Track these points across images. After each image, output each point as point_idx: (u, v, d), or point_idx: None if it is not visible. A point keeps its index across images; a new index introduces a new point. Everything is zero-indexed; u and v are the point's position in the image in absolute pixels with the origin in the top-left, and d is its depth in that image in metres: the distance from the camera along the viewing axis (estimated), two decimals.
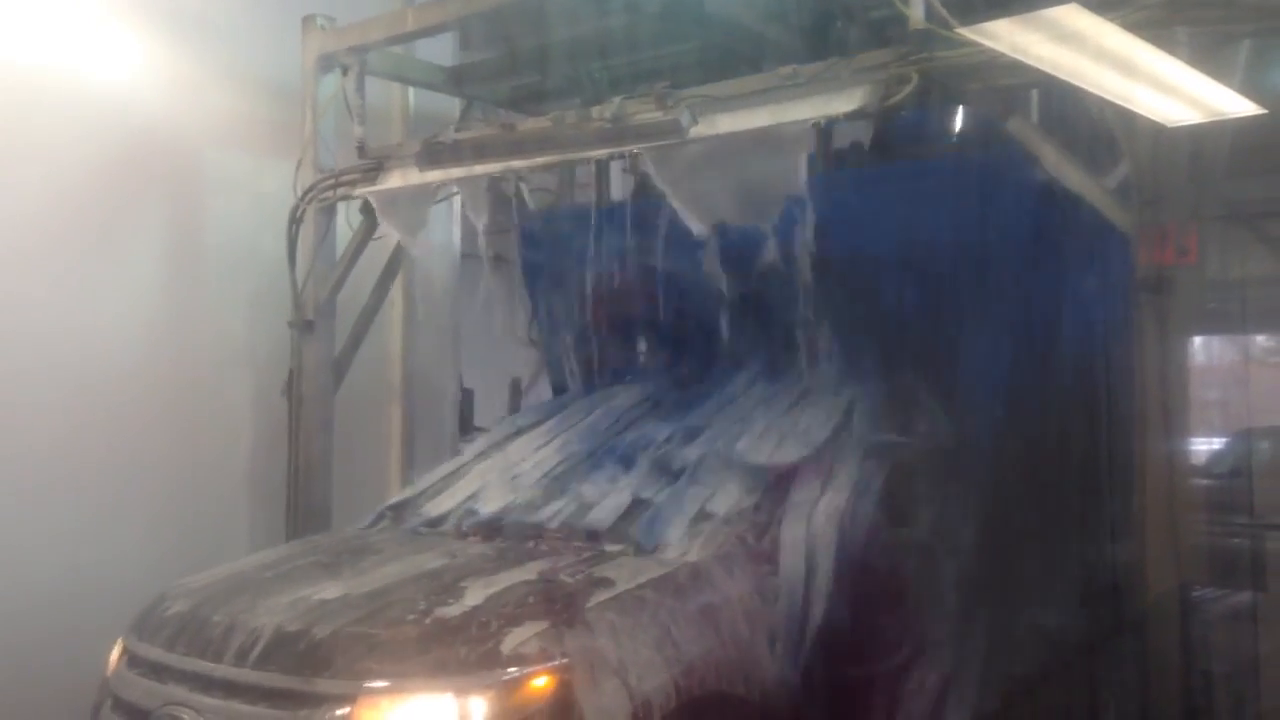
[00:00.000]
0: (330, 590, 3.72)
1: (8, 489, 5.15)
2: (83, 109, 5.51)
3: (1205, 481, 5.91)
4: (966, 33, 3.36)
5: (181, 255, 5.98)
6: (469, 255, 6.92)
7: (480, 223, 5.24)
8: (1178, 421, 3.99)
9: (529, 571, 3.74)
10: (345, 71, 5.81)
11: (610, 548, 4.00)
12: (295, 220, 5.86)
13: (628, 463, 4.56)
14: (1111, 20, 3.22)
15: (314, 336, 5.89)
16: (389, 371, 6.88)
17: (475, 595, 3.53)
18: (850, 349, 4.66)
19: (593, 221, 5.08)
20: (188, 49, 5.90)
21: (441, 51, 6.71)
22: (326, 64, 5.91)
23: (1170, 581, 3.95)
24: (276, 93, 6.12)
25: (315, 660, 3.32)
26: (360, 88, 5.79)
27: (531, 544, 4.13)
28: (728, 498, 4.15)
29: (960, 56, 3.93)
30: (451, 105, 6.77)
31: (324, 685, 3.26)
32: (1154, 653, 4.00)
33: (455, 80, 6.55)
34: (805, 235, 4.46)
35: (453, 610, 3.45)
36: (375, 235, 5.86)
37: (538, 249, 5.52)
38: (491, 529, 4.36)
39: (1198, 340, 4.36)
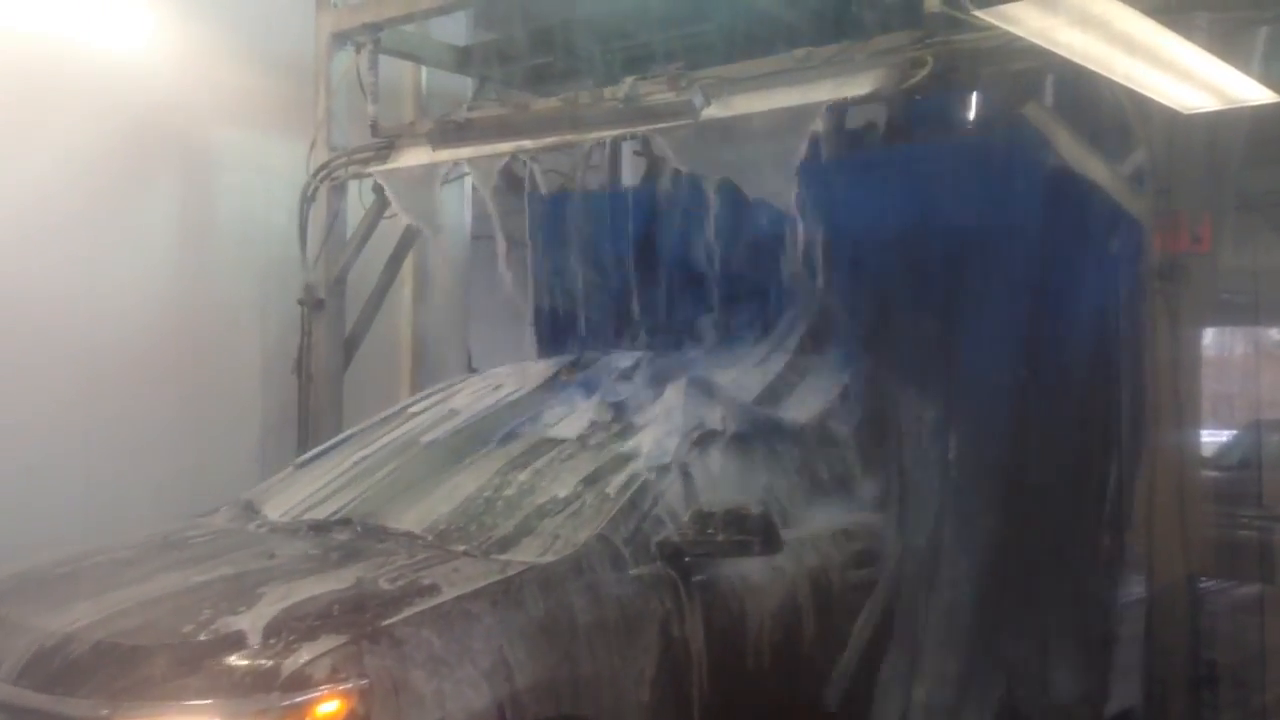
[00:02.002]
0: (113, 594, 3.25)
1: (15, 466, 5.16)
2: (97, 85, 5.51)
3: (1214, 473, 5.91)
4: (984, 16, 3.33)
5: (193, 232, 5.99)
6: (480, 236, 6.92)
7: (492, 203, 5.23)
8: (1188, 412, 3.97)
9: (347, 577, 3.25)
10: (359, 49, 5.81)
11: (456, 548, 3.50)
12: (307, 198, 5.88)
13: (589, 389, 4.32)
14: (1130, 5, 3.19)
15: (324, 314, 5.91)
16: (399, 350, 6.89)
17: (272, 603, 3.06)
18: (846, 334, 4.51)
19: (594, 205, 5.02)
20: (202, 26, 5.90)
21: (455, 31, 6.70)
22: (340, 41, 5.91)
23: (1178, 572, 3.94)
24: (290, 70, 6.12)
25: (70, 676, 2.92)
26: (373, 66, 5.78)
27: (370, 543, 3.64)
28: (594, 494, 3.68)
29: (977, 40, 3.92)
30: (464, 85, 6.76)
31: (75, 706, 2.86)
32: (1161, 642, 4.00)
33: (468, 60, 6.54)
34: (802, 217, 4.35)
35: (240, 621, 2.98)
36: (387, 214, 5.86)
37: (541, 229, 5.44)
38: (332, 525, 3.87)
39: (1210, 330, 4.34)
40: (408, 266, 6.54)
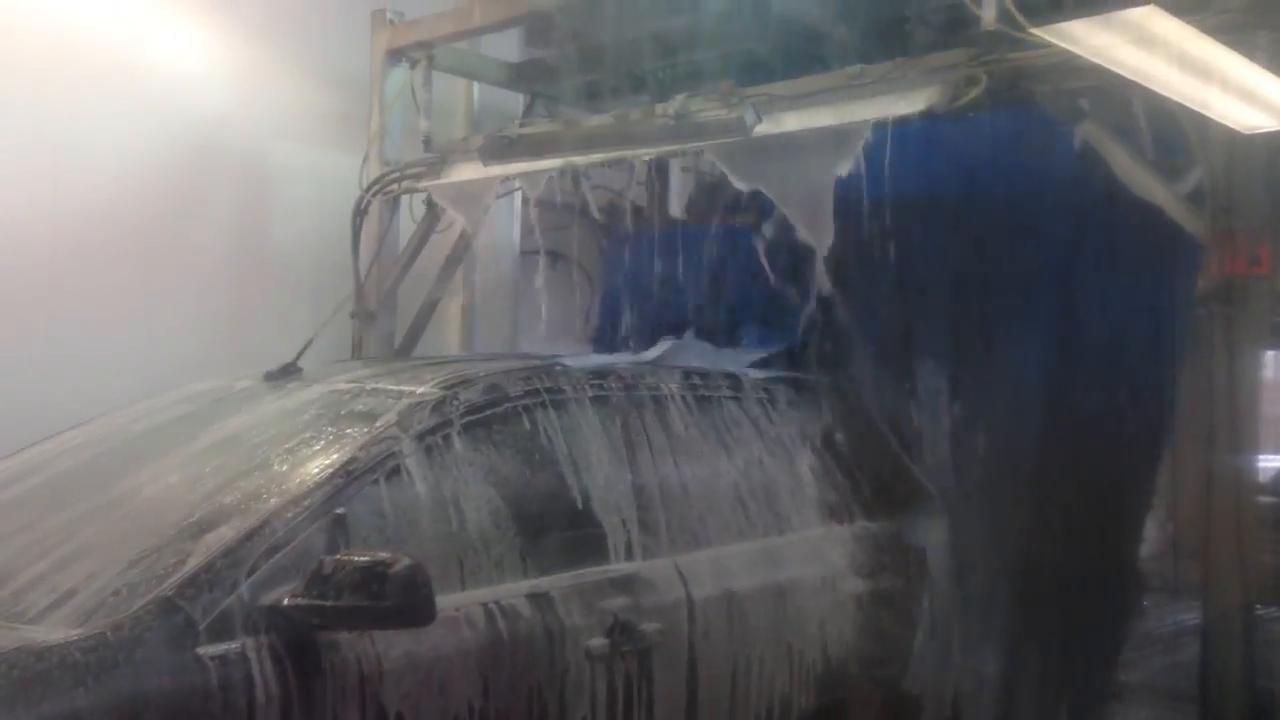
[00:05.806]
0: None
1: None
2: (153, 100, 5.61)
3: (1272, 498, 5.80)
4: (1040, 34, 3.31)
5: (247, 246, 6.07)
6: (528, 251, 6.96)
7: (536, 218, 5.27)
8: (1246, 436, 3.91)
9: None
10: (413, 66, 5.89)
11: (18, 608, 2.47)
12: (360, 212, 5.94)
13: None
14: (1191, 24, 3.16)
15: (375, 327, 5.97)
16: None
17: None
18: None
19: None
20: (258, 42, 6.00)
21: (507, 47, 6.76)
22: (395, 58, 5.99)
23: (1234, 599, 3.88)
24: (344, 86, 6.21)
25: None
26: (427, 82, 5.86)
27: None
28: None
29: (1032, 58, 3.88)
30: (516, 101, 6.81)
31: None
32: (1216, 669, 3.94)
33: (520, 76, 6.59)
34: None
35: None
36: (438, 229, 5.92)
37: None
38: None
39: (1269, 353, 4.28)
40: (458, 280, 6.59)
